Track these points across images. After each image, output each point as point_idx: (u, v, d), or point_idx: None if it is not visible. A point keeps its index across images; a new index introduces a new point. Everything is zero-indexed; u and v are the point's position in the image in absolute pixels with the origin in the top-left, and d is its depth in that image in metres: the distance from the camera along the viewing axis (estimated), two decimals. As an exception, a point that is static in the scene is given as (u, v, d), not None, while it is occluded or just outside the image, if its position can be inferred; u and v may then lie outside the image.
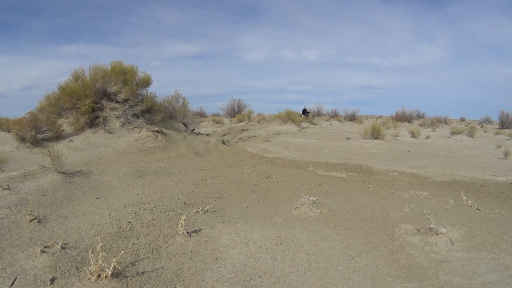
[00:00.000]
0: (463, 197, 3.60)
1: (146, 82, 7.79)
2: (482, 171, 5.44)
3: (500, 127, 19.87)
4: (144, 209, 3.12)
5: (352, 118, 22.40)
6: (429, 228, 2.74)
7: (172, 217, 3.02)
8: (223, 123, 17.15)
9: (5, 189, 3.26)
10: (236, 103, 23.61)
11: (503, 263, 2.32)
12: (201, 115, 21.68)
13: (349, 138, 10.90)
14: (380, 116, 31.32)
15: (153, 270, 2.20)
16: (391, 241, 2.68)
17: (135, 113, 7.07)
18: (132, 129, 6.82)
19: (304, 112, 20.34)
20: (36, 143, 5.82)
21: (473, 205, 3.47)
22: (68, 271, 2.11)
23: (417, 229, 2.78)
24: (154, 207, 3.23)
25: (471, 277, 2.19)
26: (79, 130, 6.54)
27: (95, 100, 6.82)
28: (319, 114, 23.76)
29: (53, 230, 2.64)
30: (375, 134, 10.56)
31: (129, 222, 2.83)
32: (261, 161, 5.68)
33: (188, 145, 6.71)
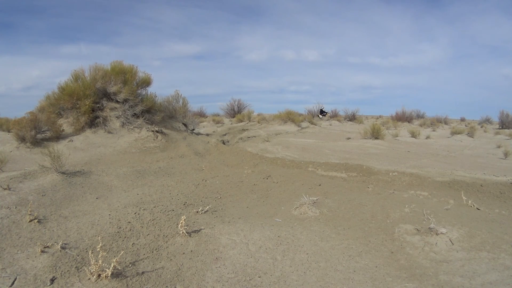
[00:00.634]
0: (463, 197, 3.60)
1: (146, 82, 7.79)
2: (482, 171, 5.44)
3: (500, 127, 19.87)
4: (144, 209, 3.12)
5: (352, 118, 22.39)
6: (429, 228, 2.74)
7: (172, 217, 3.02)
8: (223, 123, 17.15)
9: (5, 189, 3.26)
10: (236, 103, 23.60)
11: (503, 263, 2.32)
12: (201, 115, 21.66)
13: (349, 138, 10.90)
14: (380, 116, 31.30)
15: (153, 270, 2.20)
16: (391, 241, 2.68)
17: (135, 113, 7.06)
18: (132, 129, 6.81)
19: (322, 112, 19.86)
20: (36, 143, 5.82)
21: (473, 205, 3.47)
22: (68, 271, 2.11)
23: (417, 229, 2.78)
24: (154, 207, 3.23)
25: (471, 277, 2.19)
26: (79, 130, 6.54)
27: (95, 100, 6.82)
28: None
29: (53, 230, 2.64)
30: (375, 134, 10.56)
31: (129, 222, 2.83)
32: (261, 161, 5.68)
33: (188, 145, 6.71)
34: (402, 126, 18.08)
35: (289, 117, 15.14)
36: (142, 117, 7.13)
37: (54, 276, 2.05)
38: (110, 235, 2.59)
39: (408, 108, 24.12)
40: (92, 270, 2.03)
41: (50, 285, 1.98)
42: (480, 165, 6.28)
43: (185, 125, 8.33)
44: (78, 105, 6.63)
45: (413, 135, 12.41)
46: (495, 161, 7.01)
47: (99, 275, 2.03)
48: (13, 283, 1.96)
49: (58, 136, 6.18)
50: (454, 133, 14.12)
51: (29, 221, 2.69)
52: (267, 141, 9.41)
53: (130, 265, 2.23)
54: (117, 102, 7.07)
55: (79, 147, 5.94)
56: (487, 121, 24.23)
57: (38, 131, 5.93)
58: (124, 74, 7.25)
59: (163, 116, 7.78)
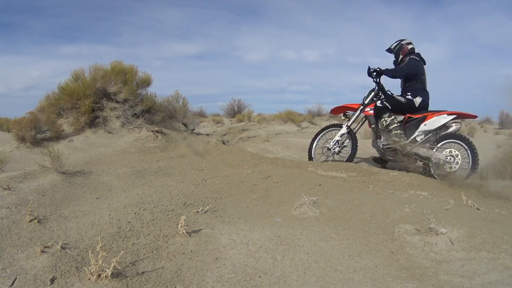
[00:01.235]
0: (463, 197, 3.59)
1: (146, 82, 7.78)
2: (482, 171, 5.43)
3: (500, 127, 19.86)
4: (144, 209, 3.12)
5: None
6: (429, 228, 2.74)
7: (172, 217, 3.02)
8: (223, 123, 17.15)
9: (5, 189, 3.26)
10: (236, 103, 23.64)
11: (503, 263, 2.32)
12: (201, 115, 21.67)
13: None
14: (380, 116, 31.23)
15: (153, 270, 2.20)
16: (391, 241, 2.68)
17: (135, 113, 7.06)
18: (132, 129, 6.81)
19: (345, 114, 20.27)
20: (36, 143, 5.82)
21: (473, 205, 3.47)
22: (68, 271, 2.11)
23: (417, 229, 2.78)
24: (154, 207, 3.23)
25: (471, 277, 2.19)
26: (79, 130, 6.54)
27: (95, 100, 6.81)
28: (319, 114, 23.76)
29: (53, 230, 2.64)
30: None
31: (129, 222, 2.83)
32: (261, 161, 5.68)
33: (188, 145, 6.71)
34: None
35: (289, 117, 15.16)
36: (142, 117, 7.13)
37: (54, 276, 2.05)
38: (110, 235, 2.59)
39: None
40: (92, 270, 2.03)
41: (50, 285, 1.98)
42: (480, 165, 6.26)
43: (185, 125, 8.33)
44: (78, 105, 6.63)
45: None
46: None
47: (99, 275, 2.03)
48: (13, 283, 1.96)
49: (58, 136, 6.18)
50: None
51: (29, 221, 2.69)
52: (267, 141, 9.41)
53: (130, 265, 2.23)
54: (117, 102, 7.07)
55: (79, 147, 5.94)
56: (487, 121, 24.23)
57: (38, 131, 5.93)
58: (124, 74, 7.24)
59: (163, 116, 7.78)
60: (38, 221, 2.72)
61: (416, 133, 4.40)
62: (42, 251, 2.28)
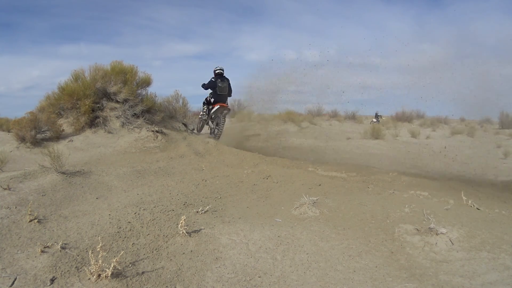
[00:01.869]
0: (463, 197, 3.59)
1: (146, 82, 7.78)
2: (482, 171, 5.44)
3: (500, 127, 19.85)
4: (144, 209, 3.12)
5: (352, 118, 22.39)
6: (429, 228, 2.74)
7: (172, 217, 3.02)
8: (223, 123, 17.10)
9: (5, 189, 3.26)
10: (236, 103, 23.60)
11: (503, 263, 2.33)
12: (201, 115, 21.61)
13: (349, 138, 10.90)
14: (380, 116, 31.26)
15: (153, 270, 2.20)
16: (391, 241, 2.68)
17: (135, 113, 7.05)
18: (132, 129, 6.81)
19: (377, 116, 20.95)
20: (36, 143, 5.82)
21: (473, 205, 3.47)
22: (68, 271, 2.11)
23: (417, 229, 2.78)
24: (154, 207, 3.23)
25: (471, 277, 2.19)
26: (79, 130, 6.53)
27: (95, 100, 6.81)
28: (318, 114, 23.76)
29: (53, 230, 2.64)
30: (375, 134, 10.58)
31: (129, 222, 2.83)
32: (261, 161, 5.68)
33: (188, 145, 6.70)
34: (402, 126, 18.08)
35: (289, 117, 15.16)
36: (142, 117, 7.12)
37: (54, 276, 2.05)
38: (110, 235, 2.59)
39: (408, 108, 24.14)
40: (92, 270, 2.03)
41: (50, 285, 1.98)
42: (480, 165, 6.28)
43: (185, 125, 8.32)
44: (78, 105, 6.62)
45: (413, 135, 12.42)
46: (495, 161, 7.02)
47: (99, 275, 2.03)
48: (13, 283, 1.96)
49: (58, 136, 6.18)
50: (454, 133, 14.13)
51: (29, 221, 2.69)
52: (267, 141, 9.41)
53: (130, 265, 2.23)
54: (117, 102, 7.06)
55: (79, 147, 5.94)
56: (487, 121, 24.20)
57: (38, 131, 5.93)
58: (124, 74, 7.24)
59: (163, 116, 7.77)
60: (38, 221, 2.72)
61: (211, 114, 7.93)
62: (42, 251, 2.28)
